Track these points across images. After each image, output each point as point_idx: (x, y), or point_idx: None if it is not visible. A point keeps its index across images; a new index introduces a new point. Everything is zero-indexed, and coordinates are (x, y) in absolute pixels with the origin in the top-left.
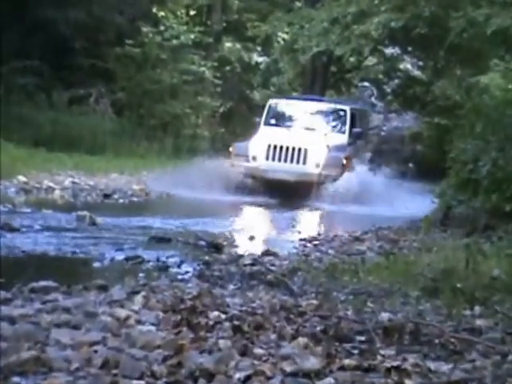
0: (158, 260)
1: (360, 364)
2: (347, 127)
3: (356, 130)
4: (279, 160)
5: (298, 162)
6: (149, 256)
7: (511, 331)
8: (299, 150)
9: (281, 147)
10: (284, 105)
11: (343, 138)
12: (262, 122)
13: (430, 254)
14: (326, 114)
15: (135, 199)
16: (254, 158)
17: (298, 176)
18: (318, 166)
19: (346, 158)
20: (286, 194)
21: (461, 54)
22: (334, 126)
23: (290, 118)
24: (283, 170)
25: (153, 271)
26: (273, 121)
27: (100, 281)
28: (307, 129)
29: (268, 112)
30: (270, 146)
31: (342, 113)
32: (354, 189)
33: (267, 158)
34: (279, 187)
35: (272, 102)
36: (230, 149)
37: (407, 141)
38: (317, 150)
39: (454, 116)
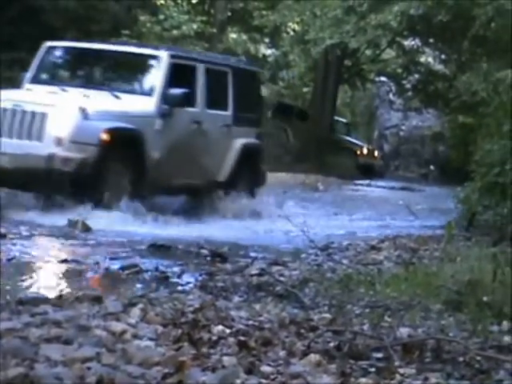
0: (156, 269)
1: (377, 383)
2: (158, 86)
3: (176, 91)
4: None
5: (28, 136)
6: (147, 265)
7: None
8: (33, 115)
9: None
10: (65, 52)
11: (143, 103)
12: (28, 79)
13: (454, 265)
14: (129, 64)
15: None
16: None
17: (22, 160)
18: (59, 142)
19: (109, 133)
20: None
21: (487, 46)
22: (131, 83)
23: (74, 72)
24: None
25: (151, 282)
26: (44, 75)
27: (94, 292)
28: (88, 87)
29: (41, 62)
30: None
31: (152, 62)
32: None
33: None
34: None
35: (47, 46)
36: None
37: (428, 141)
38: (60, 114)
39: (479, 114)
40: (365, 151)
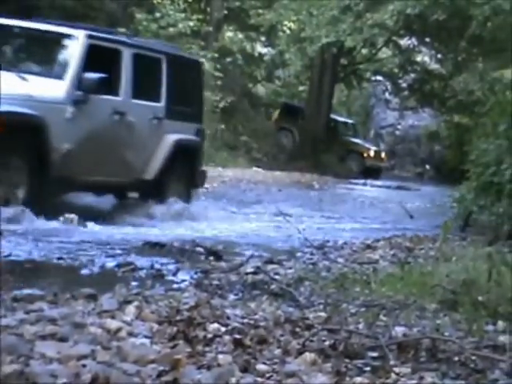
0: (152, 267)
1: (372, 382)
2: (72, 69)
3: (92, 75)
4: None
5: None
6: (142, 263)
7: None
8: None
9: None
10: None
11: (52, 87)
12: None
13: (449, 264)
14: (41, 44)
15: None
16: None
17: None
18: None
19: (1, 117)
20: None
21: (483, 46)
22: (42, 65)
23: None
24: None
25: (146, 279)
26: None
27: (89, 289)
28: None
29: None
30: None
31: (67, 43)
32: None
33: None
34: None
35: None
36: None
37: (424, 140)
38: None
39: (475, 114)
40: (372, 153)
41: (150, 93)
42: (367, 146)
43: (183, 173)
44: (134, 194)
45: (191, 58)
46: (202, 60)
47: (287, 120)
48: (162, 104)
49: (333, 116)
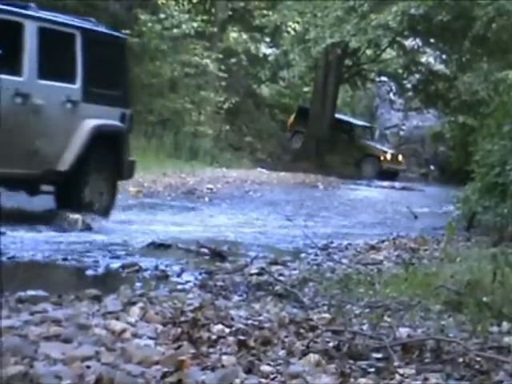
0: (156, 268)
1: None
2: None
3: None
4: None
5: None
6: (147, 264)
7: None
8: None
9: None
10: None
11: None
12: None
13: (453, 265)
14: None
15: (131, 202)
16: None
17: None
18: None
19: None
20: None
21: (487, 47)
22: None
23: None
24: None
25: (151, 280)
26: None
27: (93, 290)
28: None
29: None
30: None
31: None
32: None
33: None
34: None
35: None
36: None
37: (428, 141)
38: None
39: (479, 114)
40: (388, 157)
41: (61, 73)
42: (384, 149)
43: (105, 163)
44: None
45: (114, 35)
46: (126, 36)
47: (303, 124)
48: (77, 85)
49: (349, 119)
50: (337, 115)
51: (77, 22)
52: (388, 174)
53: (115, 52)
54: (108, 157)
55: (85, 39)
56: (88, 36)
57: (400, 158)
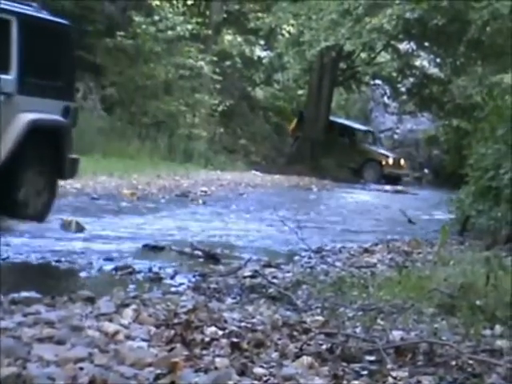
0: (150, 270)
1: None
2: None
3: None
4: None
5: None
6: (140, 266)
7: None
8: None
9: None
10: None
11: None
12: None
13: (447, 268)
14: None
15: (125, 204)
16: None
17: None
18: None
19: None
20: None
21: (482, 50)
22: None
23: None
24: None
25: (144, 282)
26: None
27: (87, 292)
28: None
29: None
30: None
31: None
32: None
33: None
34: None
35: None
36: None
37: (422, 145)
38: None
39: (473, 118)
40: (390, 161)
41: None
42: (386, 153)
43: (44, 161)
44: None
45: (57, 22)
46: (70, 24)
47: (302, 127)
48: (11, 76)
49: (351, 124)
50: (338, 120)
51: (12, 6)
52: (390, 179)
53: (59, 40)
54: (47, 154)
55: (21, 26)
56: (25, 22)
57: (402, 162)
